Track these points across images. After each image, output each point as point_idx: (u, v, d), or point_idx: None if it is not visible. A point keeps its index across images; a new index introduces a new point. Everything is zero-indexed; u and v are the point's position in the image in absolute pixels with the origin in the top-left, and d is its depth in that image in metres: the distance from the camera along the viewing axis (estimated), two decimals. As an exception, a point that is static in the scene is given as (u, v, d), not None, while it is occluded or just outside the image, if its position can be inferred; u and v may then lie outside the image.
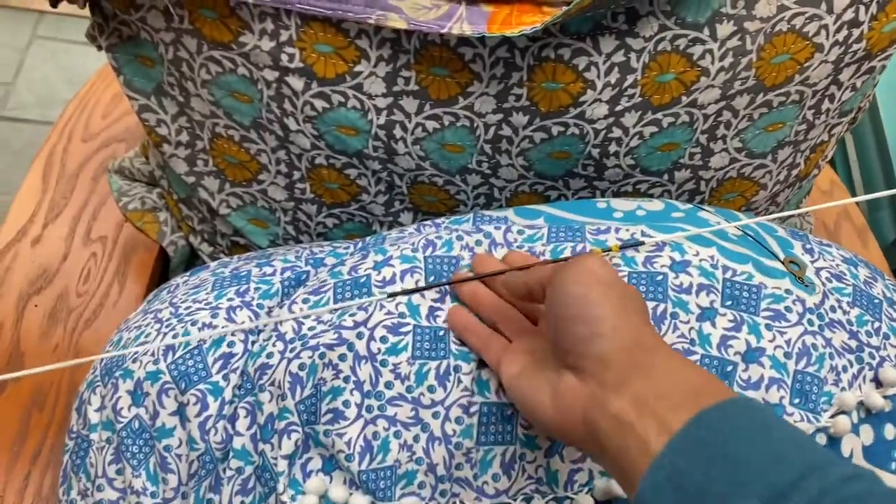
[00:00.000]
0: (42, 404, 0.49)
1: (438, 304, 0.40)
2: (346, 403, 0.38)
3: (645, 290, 0.41)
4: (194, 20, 0.47)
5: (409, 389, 0.38)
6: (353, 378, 0.38)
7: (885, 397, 0.41)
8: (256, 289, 0.44)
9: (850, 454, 0.40)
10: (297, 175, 0.53)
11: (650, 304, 0.40)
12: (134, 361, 0.41)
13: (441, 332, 0.39)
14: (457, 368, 0.38)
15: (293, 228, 0.57)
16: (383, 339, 0.38)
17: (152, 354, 0.41)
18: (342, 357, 0.38)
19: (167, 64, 0.50)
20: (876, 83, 0.54)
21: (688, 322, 0.40)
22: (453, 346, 0.39)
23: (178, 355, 0.41)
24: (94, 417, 0.42)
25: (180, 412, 0.40)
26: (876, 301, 0.44)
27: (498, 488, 0.37)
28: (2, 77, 1.37)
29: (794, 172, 0.56)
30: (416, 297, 0.40)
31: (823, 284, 0.43)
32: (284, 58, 0.47)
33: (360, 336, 0.39)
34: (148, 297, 0.49)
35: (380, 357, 0.38)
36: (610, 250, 0.41)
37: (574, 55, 0.47)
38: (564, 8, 0.43)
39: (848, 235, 0.71)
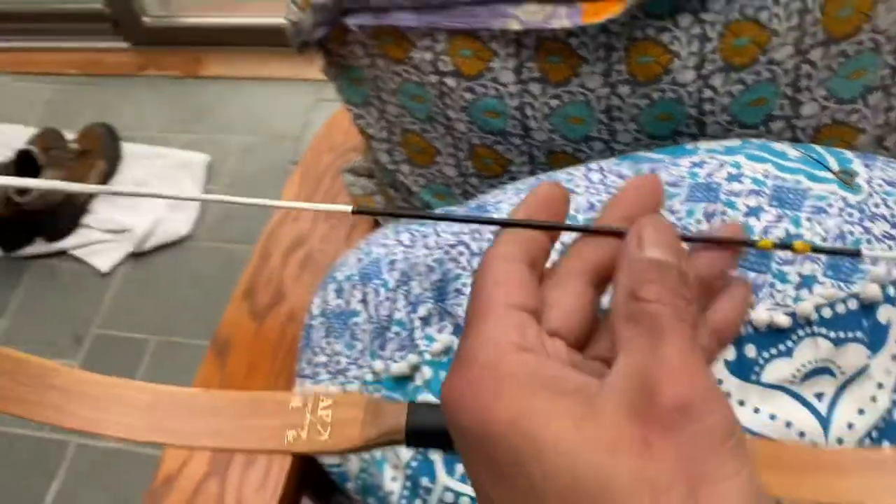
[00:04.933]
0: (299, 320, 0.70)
1: None
2: (465, 284, 0.53)
3: (701, 196, 0.51)
4: (380, 46, 0.67)
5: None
6: (469, 267, 0.53)
7: (923, 275, 0.46)
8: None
9: (887, 322, 0.46)
10: (461, 155, 0.71)
11: (702, 206, 0.51)
12: (338, 271, 0.61)
13: None
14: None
15: (464, 199, 0.74)
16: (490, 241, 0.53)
17: (348, 266, 0.60)
18: (460, 252, 0.54)
19: (368, 82, 0.71)
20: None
21: (734, 218, 0.50)
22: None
23: (363, 263, 0.59)
24: (315, 309, 0.61)
25: (364, 299, 0.58)
26: (930, 202, 0.49)
27: None
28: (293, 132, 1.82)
29: (893, 115, 0.61)
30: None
31: (872, 189, 0.50)
32: (441, 65, 0.65)
33: (474, 238, 0.54)
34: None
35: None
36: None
37: (658, 32, 0.59)
38: (635, -5, 0.56)
39: None
